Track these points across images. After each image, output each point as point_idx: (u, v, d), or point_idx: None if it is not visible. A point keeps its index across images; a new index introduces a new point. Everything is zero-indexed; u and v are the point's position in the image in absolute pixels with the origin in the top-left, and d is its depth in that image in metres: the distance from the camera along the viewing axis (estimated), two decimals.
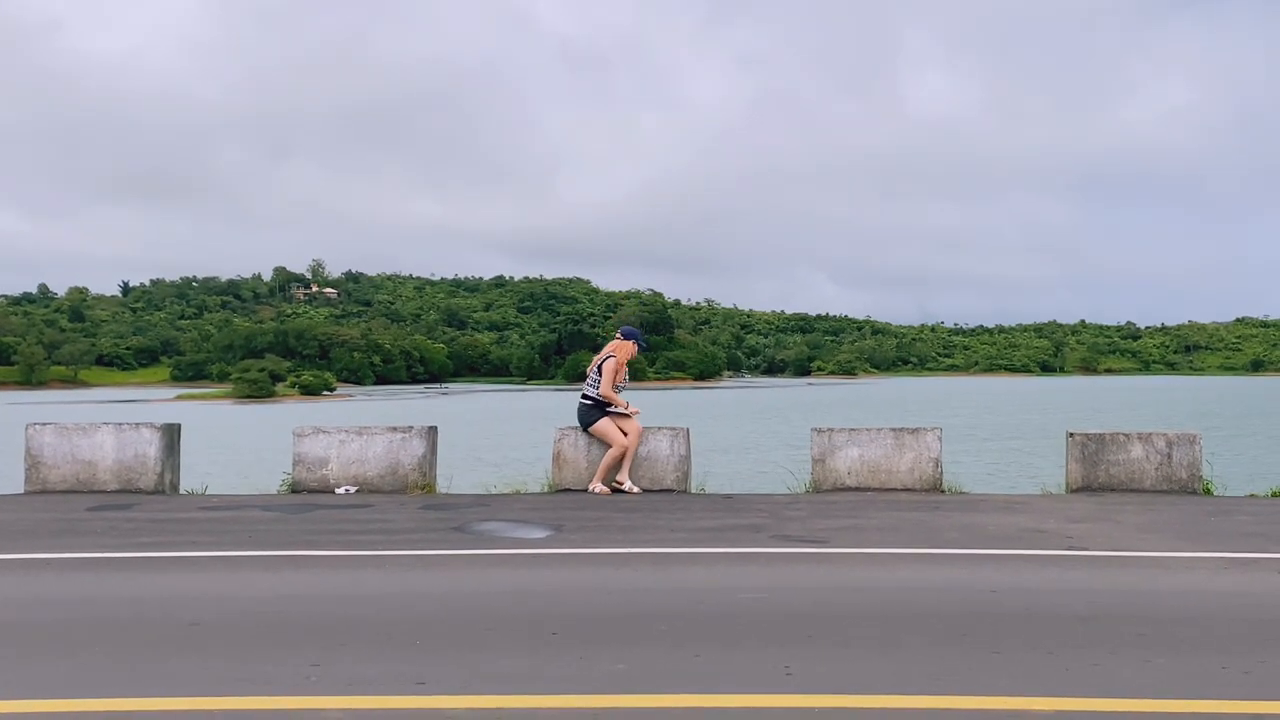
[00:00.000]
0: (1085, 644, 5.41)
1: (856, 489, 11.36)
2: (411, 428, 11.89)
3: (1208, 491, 11.35)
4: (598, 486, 11.30)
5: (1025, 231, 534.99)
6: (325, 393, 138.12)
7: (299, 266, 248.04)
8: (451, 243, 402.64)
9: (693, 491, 11.59)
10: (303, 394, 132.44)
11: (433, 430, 11.98)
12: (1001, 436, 44.25)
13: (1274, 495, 11.44)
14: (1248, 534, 8.79)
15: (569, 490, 11.52)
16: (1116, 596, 6.50)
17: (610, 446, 11.39)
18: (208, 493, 11.99)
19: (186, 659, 5.28)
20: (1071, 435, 11.45)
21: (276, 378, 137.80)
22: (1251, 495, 11.70)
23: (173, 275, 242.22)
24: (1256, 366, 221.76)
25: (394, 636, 5.66)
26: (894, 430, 11.49)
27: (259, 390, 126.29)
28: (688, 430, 11.71)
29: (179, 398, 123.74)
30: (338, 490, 11.47)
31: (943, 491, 11.34)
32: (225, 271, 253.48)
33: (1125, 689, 4.71)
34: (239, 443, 44.69)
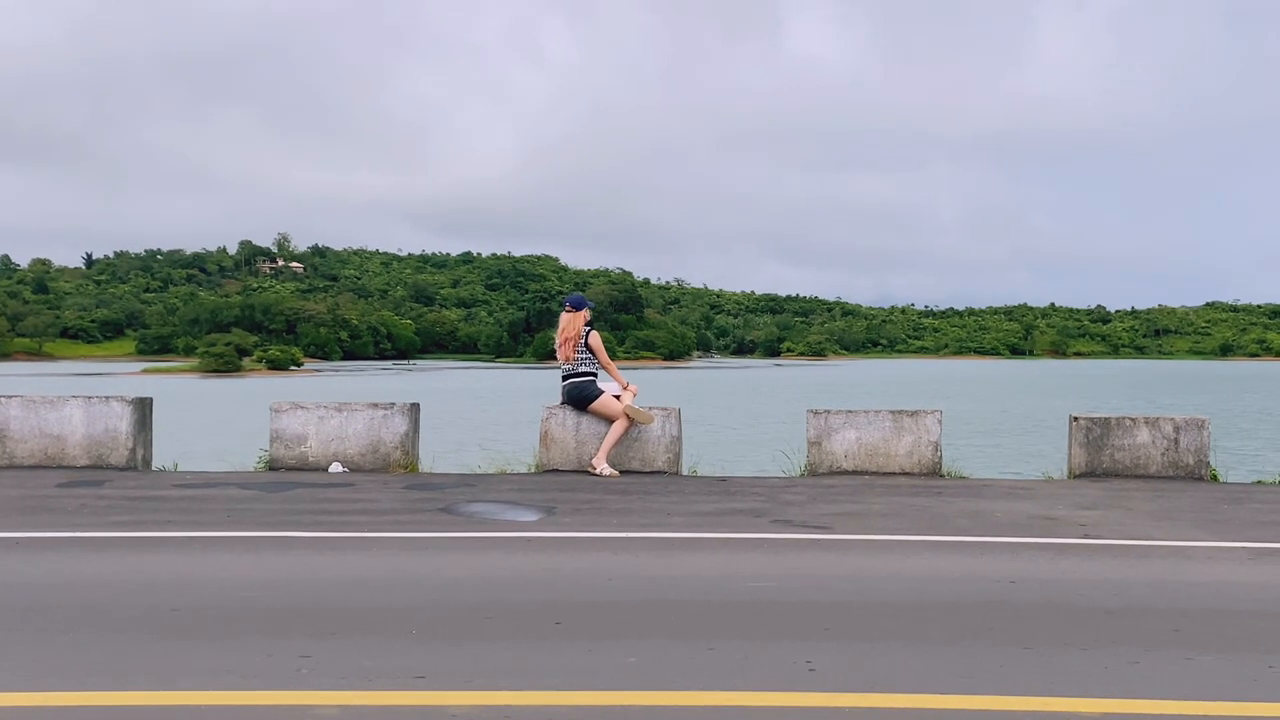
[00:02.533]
0: (1120, 640, 5.16)
1: (854, 472, 11.09)
2: (393, 404, 11.53)
3: (1215, 478, 11.13)
4: (604, 468, 10.89)
5: (966, 207, 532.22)
6: (292, 368, 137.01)
7: (256, 239, 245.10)
8: (368, 215, 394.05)
9: (685, 474, 11.29)
10: (270, 369, 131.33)
11: (415, 407, 11.62)
12: (991, 419, 44.27)
13: None
14: (1266, 523, 8.58)
15: (557, 471, 11.20)
16: (1143, 588, 6.26)
17: (613, 422, 10.99)
18: (181, 469, 11.60)
19: (168, 648, 4.96)
20: (1075, 419, 11.20)
21: (243, 352, 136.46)
22: (1259, 482, 11.53)
23: (136, 248, 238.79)
24: (1225, 351, 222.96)
25: (388, 625, 5.36)
26: (893, 413, 11.22)
27: (225, 364, 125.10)
28: (679, 410, 11.41)
29: (145, 371, 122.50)
30: (331, 469, 11.06)
31: (942, 476, 11.09)
32: (190, 244, 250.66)
33: (1171, 689, 4.45)
34: (210, 418, 44.10)
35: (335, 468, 11.13)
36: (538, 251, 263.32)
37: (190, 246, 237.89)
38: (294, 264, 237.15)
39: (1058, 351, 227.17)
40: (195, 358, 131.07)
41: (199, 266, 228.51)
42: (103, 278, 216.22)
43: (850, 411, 11.29)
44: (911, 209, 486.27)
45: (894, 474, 11.05)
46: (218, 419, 43.52)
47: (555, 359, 11.54)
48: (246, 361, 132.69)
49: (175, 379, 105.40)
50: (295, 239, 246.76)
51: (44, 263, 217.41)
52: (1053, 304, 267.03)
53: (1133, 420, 11.14)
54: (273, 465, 11.36)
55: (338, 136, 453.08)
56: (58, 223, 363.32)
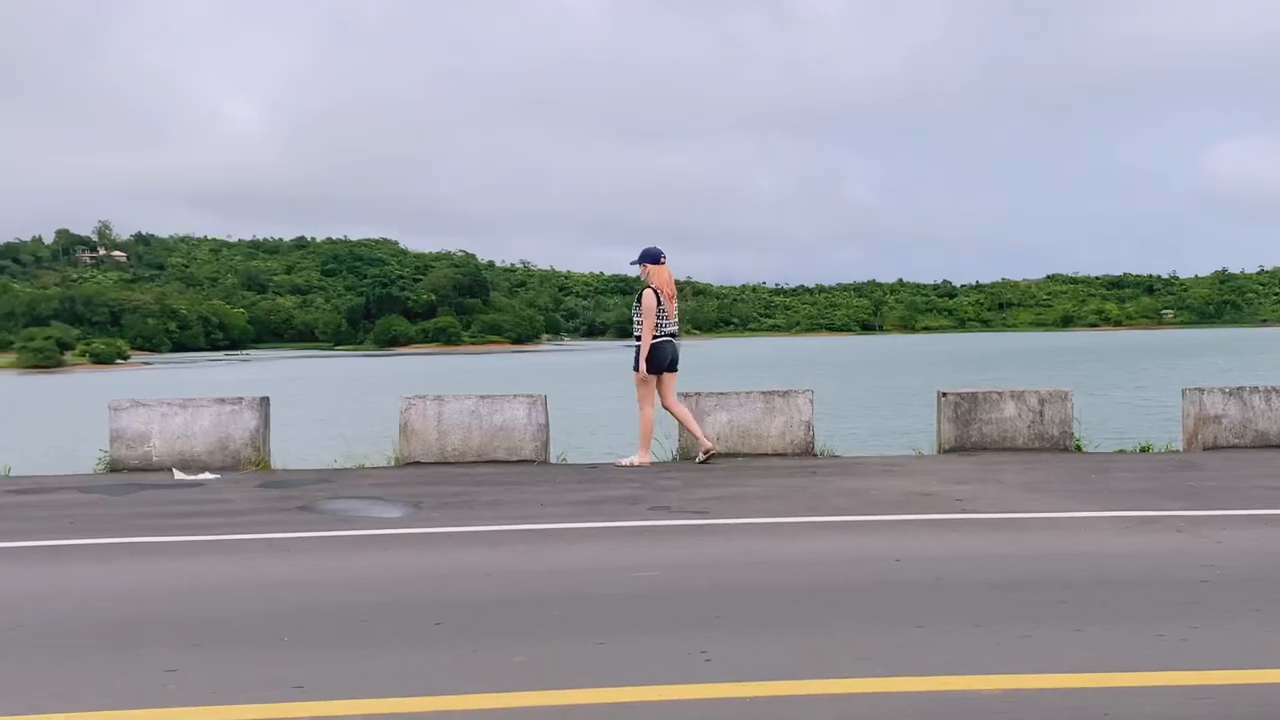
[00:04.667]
0: (1009, 615, 5.18)
1: (727, 454, 11.02)
2: (241, 399, 11.00)
3: (1079, 449, 11.45)
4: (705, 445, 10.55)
5: (780, 183, 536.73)
6: (119, 361, 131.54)
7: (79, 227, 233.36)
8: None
9: (554, 462, 11.08)
10: (94, 363, 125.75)
11: (265, 401, 11.12)
12: (855, 397, 45.18)
13: (1142, 451, 11.66)
14: (1133, 491, 8.82)
15: (419, 464, 10.86)
16: (1024, 562, 6.33)
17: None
18: (11, 474, 10.85)
19: (14, 669, 4.57)
20: (944, 395, 11.39)
21: (65, 346, 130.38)
22: (1121, 451, 11.88)
23: None
24: (1066, 322, 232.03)
25: (257, 633, 5.05)
26: (764, 394, 11.23)
27: (46, 359, 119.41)
28: (545, 397, 11.18)
29: None
30: (176, 475, 10.31)
31: (815, 455, 11.13)
32: (1, 234, 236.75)
33: (1065, 663, 4.47)
34: (36, 417, 41.85)
35: (180, 474, 10.40)
36: (375, 235, 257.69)
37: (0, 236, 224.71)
38: (116, 253, 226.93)
39: (906, 327, 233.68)
40: (13, 353, 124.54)
41: (12, 257, 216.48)
42: None
43: (722, 394, 11.26)
44: (723, 184, 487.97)
45: (767, 455, 11.06)
46: (45, 418, 41.36)
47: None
48: (69, 356, 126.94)
49: None
50: (116, 227, 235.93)
51: None
52: (900, 280, 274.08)
53: (999, 394, 11.39)
54: (114, 466, 10.72)
55: (63, 111, 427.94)
56: None
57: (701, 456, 10.65)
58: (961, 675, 4.33)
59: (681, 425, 10.86)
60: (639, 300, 10.75)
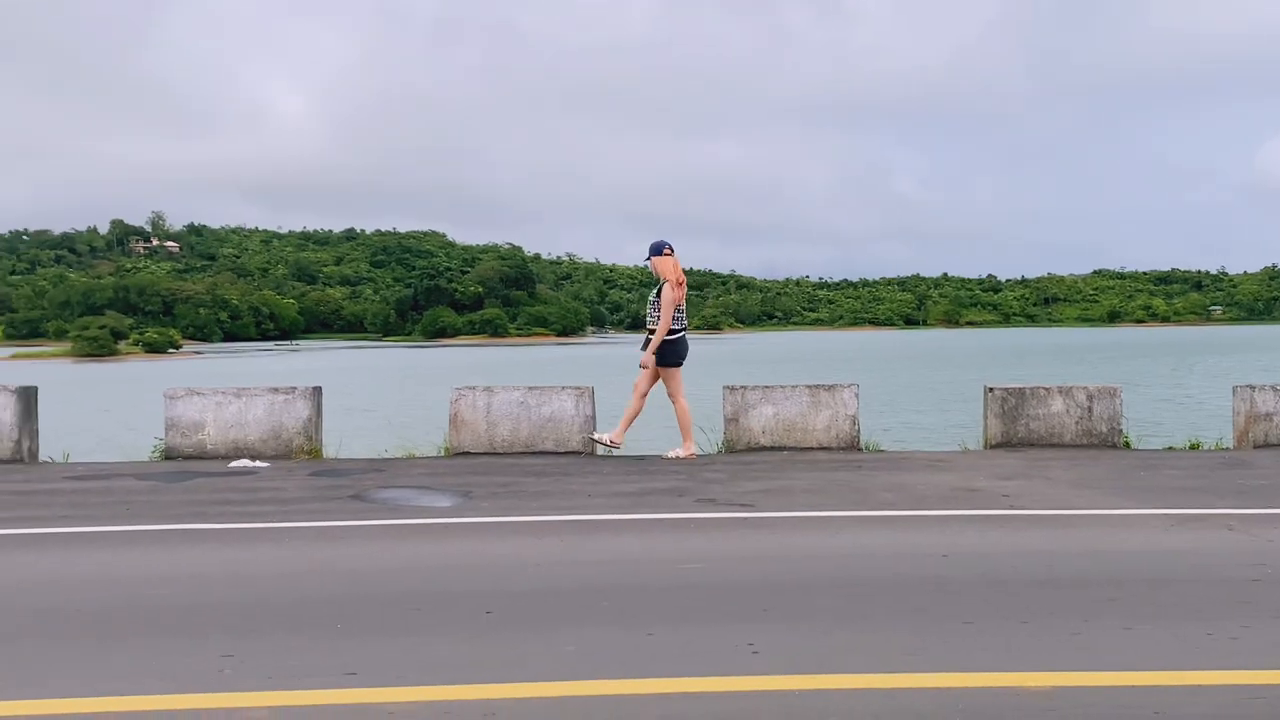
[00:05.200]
0: (1058, 611, 5.17)
1: (772, 448, 11.06)
2: (294, 388, 11.15)
3: (1128, 445, 11.34)
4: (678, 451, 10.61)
5: (828, 176, 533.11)
6: (171, 350, 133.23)
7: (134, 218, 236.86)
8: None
9: (600, 454, 11.13)
10: (147, 352, 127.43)
11: (317, 391, 11.27)
12: (900, 391, 44.91)
13: (1192, 448, 11.53)
14: (1182, 488, 8.74)
15: (468, 454, 10.96)
16: (1073, 559, 6.30)
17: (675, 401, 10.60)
18: (72, 461, 11.07)
19: (76, 652, 4.68)
20: (990, 390, 11.33)
21: (119, 335, 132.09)
22: (1170, 448, 11.77)
23: (0, 228, 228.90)
24: (1113, 318, 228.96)
25: (311, 620, 5.14)
26: (809, 387, 11.22)
27: (100, 348, 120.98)
28: (593, 389, 11.25)
29: (15, 356, 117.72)
30: (233, 465, 10.47)
31: (861, 450, 11.11)
32: (58, 224, 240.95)
33: (1113, 660, 4.47)
34: (93, 405, 42.51)
35: (234, 463, 10.54)
36: (423, 227, 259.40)
37: (58, 227, 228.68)
38: (169, 243, 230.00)
39: (950, 321, 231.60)
40: (68, 342, 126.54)
41: (68, 247, 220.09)
42: None
43: (767, 387, 11.27)
44: (768, 177, 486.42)
45: (812, 449, 11.05)
46: (102, 406, 41.99)
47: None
48: (122, 345, 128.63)
49: (48, 364, 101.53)
50: (169, 218, 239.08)
51: None
52: (945, 274, 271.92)
53: (1047, 390, 11.30)
54: (169, 454, 10.90)
55: (119, 102, 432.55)
56: None
57: (677, 454, 10.63)
58: (1009, 672, 4.34)
59: (630, 412, 10.74)
60: (658, 294, 10.72)
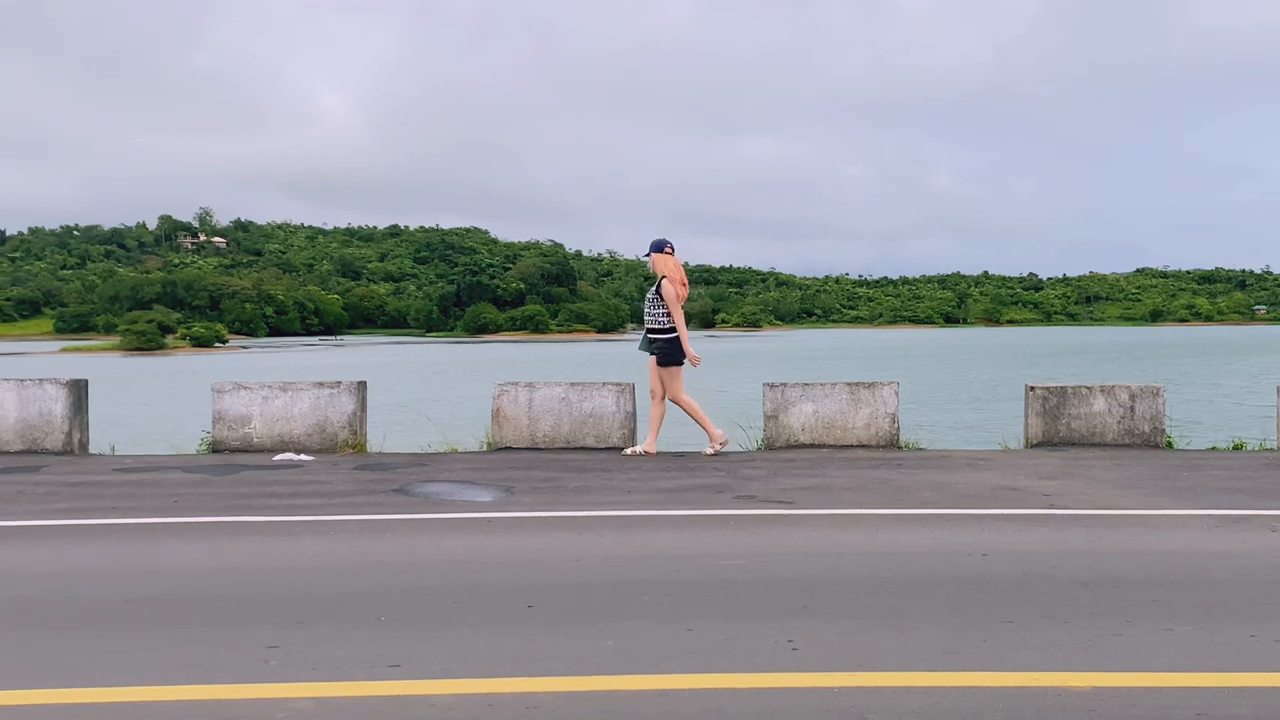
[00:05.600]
0: (1100, 612, 5.15)
1: (811, 446, 11.07)
2: (339, 383, 11.28)
3: (1170, 446, 11.25)
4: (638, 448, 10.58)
5: (865, 172, 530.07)
6: (217, 345, 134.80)
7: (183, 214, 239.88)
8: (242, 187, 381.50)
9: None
10: (194, 346, 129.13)
11: (362, 385, 11.39)
12: (939, 389, 44.64)
13: (1235, 448, 11.41)
14: (1226, 489, 8.66)
15: (510, 449, 11.04)
16: (1115, 559, 6.26)
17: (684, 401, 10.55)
18: (120, 453, 11.26)
19: (126, 642, 4.76)
20: (1032, 389, 11.26)
21: (166, 329, 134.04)
22: (1214, 448, 11.65)
23: (51, 224, 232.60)
24: (1155, 316, 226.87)
25: (354, 612, 5.20)
26: (849, 385, 11.21)
27: (148, 342, 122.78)
28: (633, 386, 11.30)
29: (64, 350, 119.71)
30: (303, 458, 10.54)
31: (900, 448, 11.09)
32: (108, 220, 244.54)
33: (1156, 661, 4.44)
34: (141, 398, 43.13)
35: (279, 457, 10.69)
36: (465, 224, 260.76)
37: (108, 222, 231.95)
38: (216, 239, 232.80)
39: (991, 319, 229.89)
40: (116, 336, 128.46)
41: (117, 242, 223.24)
42: (17, 255, 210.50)
43: (807, 384, 11.27)
44: (807, 174, 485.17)
45: (852, 446, 11.05)
46: (149, 399, 42.59)
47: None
48: (170, 339, 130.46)
49: (97, 358, 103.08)
50: (217, 213, 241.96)
51: None
52: (985, 272, 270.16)
53: (1089, 389, 11.22)
54: (216, 447, 11.06)
55: (167, 99, 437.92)
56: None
57: (637, 450, 10.64)
58: (1050, 672, 4.32)
59: (652, 417, 10.74)
60: (657, 292, 10.63)
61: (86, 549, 6.70)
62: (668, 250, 10.68)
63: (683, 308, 10.58)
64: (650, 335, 10.60)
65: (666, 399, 10.66)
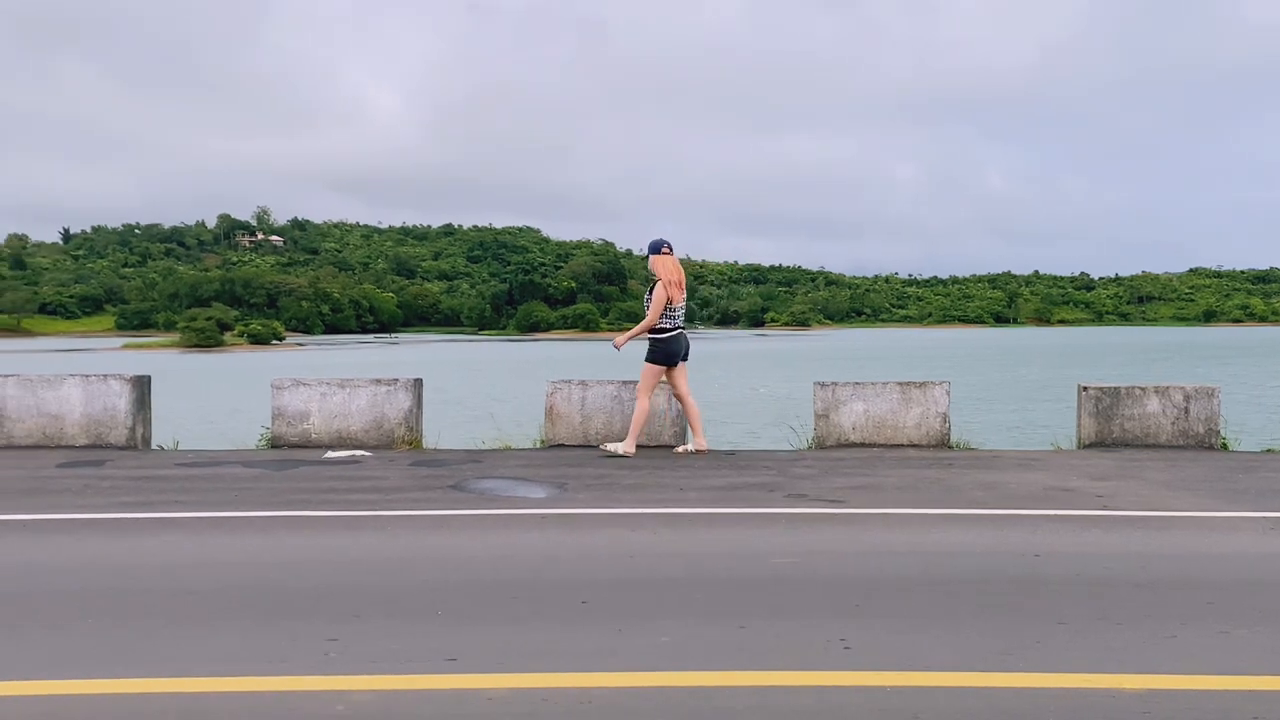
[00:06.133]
0: (1154, 614, 5.12)
1: (862, 445, 11.06)
2: (396, 380, 11.42)
3: (1225, 447, 11.12)
4: (617, 446, 10.63)
5: (916, 171, 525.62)
6: (274, 342, 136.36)
7: (241, 213, 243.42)
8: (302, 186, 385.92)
9: (690, 449, 11.20)
10: (252, 343, 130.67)
11: (418, 382, 11.53)
12: (990, 389, 44.29)
13: None
14: None
15: (563, 446, 11.12)
16: (1169, 561, 6.22)
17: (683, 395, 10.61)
18: (181, 448, 11.47)
19: (188, 633, 4.86)
20: (1085, 389, 11.17)
21: (224, 326, 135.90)
22: (1270, 451, 11.50)
23: (114, 222, 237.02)
24: (1209, 317, 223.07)
25: (411, 607, 5.28)
26: (900, 384, 11.18)
27: (207, 339, 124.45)
28: None
29: (126, 346, 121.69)
30: (359, 454, 10.68)
31: (951, 448, 11.05)
32: (168, 218, 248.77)
33: (1212, 665, 4.42)
34: (200, 394, 43.80)
35: (336, 453, 10.81)
36: (518, 223, 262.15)
37: (168, 221, 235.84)
38: (274, 237, 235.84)
39: (1042, 319, 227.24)
40: (176, 333, 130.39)
41: (177, 241, 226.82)
42: (80, 253, 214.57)
43: (858, 383, 11.25)
44: (855, 173, 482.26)
45: (902, 446, 11.02)
46: (209, 395, 43.24)
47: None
48: (228, 336, 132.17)
49: (157, 354, 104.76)
50: (274, 212, 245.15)
51: (21, 238, 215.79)
52: (1036, 272, 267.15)
53: (1142, 389, 11.12)
54: (275, 443, 11.24)
55: (225, 99, 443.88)
56: (33, 197, 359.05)
57: (688, 448, 10.67)
58: (1104, 674, 4.31)
59: (687, 416, 10.79)
60: (650, 293, 10.68)
61: (149, 542, 6.84)
62: (665, 251, 10.69)
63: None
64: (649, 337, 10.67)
65: (681, 393, 10.73)
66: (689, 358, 10.85)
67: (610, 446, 10.66)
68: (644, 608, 5.25)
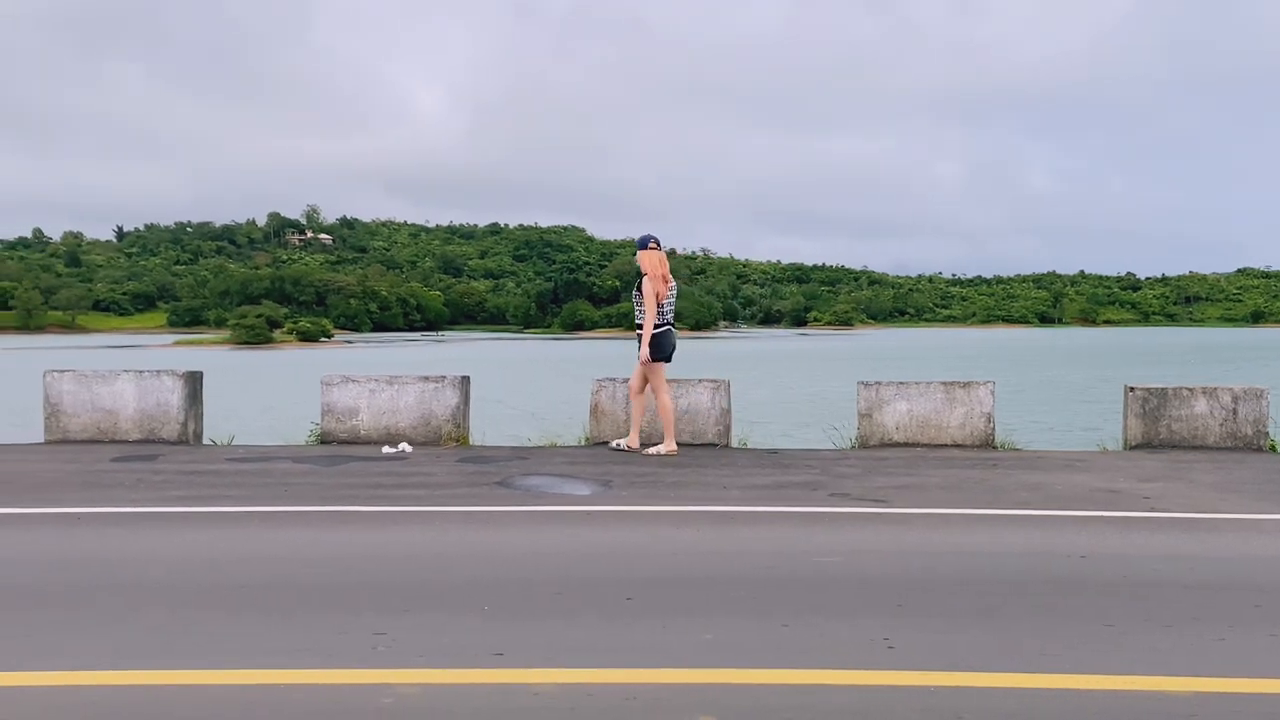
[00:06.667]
0: (1201, 616, 5.09)
1: (905, 445, 11.03)
2: (444, 377, 11.53)
3: (1274, 449, 11.00)
4: (622, 442, 10.70)
5: (958, 170, 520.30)
6: (323, 339, 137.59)
7: (292, 211, 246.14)
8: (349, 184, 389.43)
9: (735, 446, 11.25)
10: (301, 340, 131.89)
11: (465, 380, 11.63)
12: (1035, 390, 43.92)
13: None
14: None
15: (608, 443, 11.17)
16: (1216, 563, 6.19)
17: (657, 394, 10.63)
18: (232, 443, 11.64)
19: (239, 626, 4.95)
20: (1131, 390, 11.09)
21: (274, 324, 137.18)
22: None
23: (166, 220, 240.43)
24: (1257, 318, 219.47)
25: (459, 601, 5.34)
26: (944, 384, 11.14)
27: (257, 336, 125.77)
28: (728, 383, 11.36)
29: (177, 343, 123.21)
30: (406, 450, 10.79)
31: (996, 448, 11.00)
32: (219, 217, 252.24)
33: (1259, 668, 4.39)
34: (249, 390, 44.31)
35: (388, 449, 10.93)
36: (563, 222, 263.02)
37: (219, 219, 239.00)
38: (323, 236, 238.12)
39: (1087, 319, 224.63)
40: (226, 330, 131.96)
41: (228, 239, 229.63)
42: (133, 250, 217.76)
43: (902, 383, 11.22)
44: (899, 171, 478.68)
45: (946, 446, 10.98)
46: (258, 391, 43.73)
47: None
48: (277, 333, 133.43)
49: (208, 351, 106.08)
50: (323, 211, 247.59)
51: (76, 236, 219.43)
52: (1081, 271, 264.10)
53: (1190, 390, 11.02)
54: (325, 439, 11.38)
55: (274, 99, 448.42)
56: (89, 196, 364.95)
57: (622, 445, 10.67)
58: (1150, 676, 4.30)
59: (633, 413, 10.77)
60: (638, 289, 10.67)
61: (201, 535, 6.96)
62: (651, 246, 10.73)
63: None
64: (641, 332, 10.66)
65: (651, 391, 10.72)
66: (672, 358, 10.86)
67: (650, 450, 10.59)
68: (688, 605, 5.29)
